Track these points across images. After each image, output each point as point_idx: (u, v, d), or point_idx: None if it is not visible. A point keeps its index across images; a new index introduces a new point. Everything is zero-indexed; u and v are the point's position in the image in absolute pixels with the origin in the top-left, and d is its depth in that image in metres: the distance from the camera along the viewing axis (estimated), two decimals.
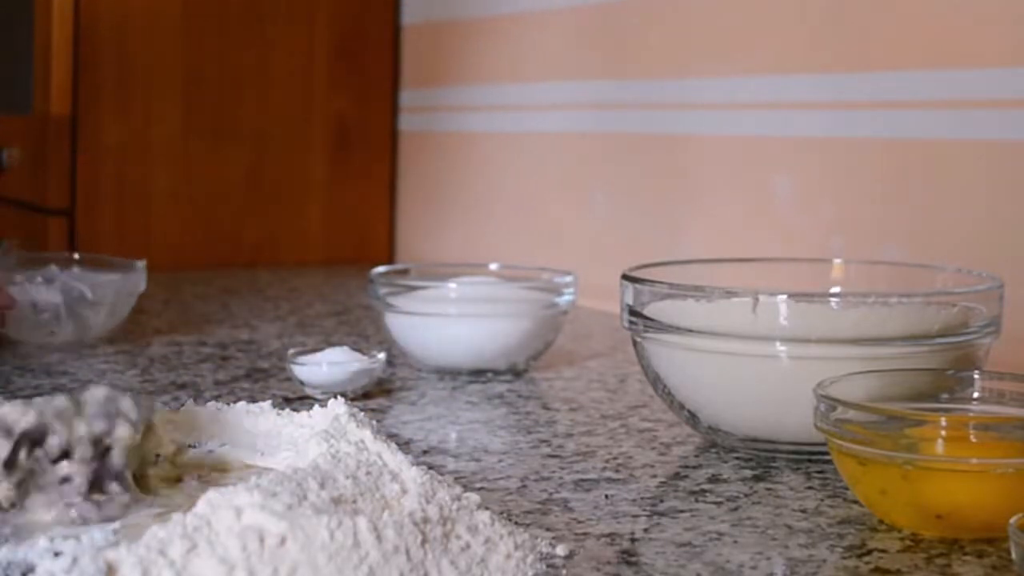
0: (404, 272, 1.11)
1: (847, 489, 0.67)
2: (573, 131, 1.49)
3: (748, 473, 0.73)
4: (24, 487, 0.57)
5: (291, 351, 0.94)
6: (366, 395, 0.92)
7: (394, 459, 0.59)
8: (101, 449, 0.59)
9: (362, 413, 0.66)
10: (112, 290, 1.11)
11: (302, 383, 0.92)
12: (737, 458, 0.76)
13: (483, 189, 1.64)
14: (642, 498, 0.68)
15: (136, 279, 1.13)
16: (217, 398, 0.84)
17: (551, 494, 0.68)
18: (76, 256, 1.20)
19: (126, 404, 0.60)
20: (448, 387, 0.96)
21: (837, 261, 0.92)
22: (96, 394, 0.60)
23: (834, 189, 1.16)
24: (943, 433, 0.62)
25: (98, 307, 1.10)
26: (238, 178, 1.71)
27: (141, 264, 1.14)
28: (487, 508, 0.57)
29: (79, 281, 1.10)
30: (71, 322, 1.09)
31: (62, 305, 1.08)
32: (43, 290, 1.08)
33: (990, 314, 0.76)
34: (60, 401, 0.59)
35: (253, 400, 0.72)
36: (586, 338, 1.19)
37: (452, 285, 1.02)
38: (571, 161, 1.49)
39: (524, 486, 0.70)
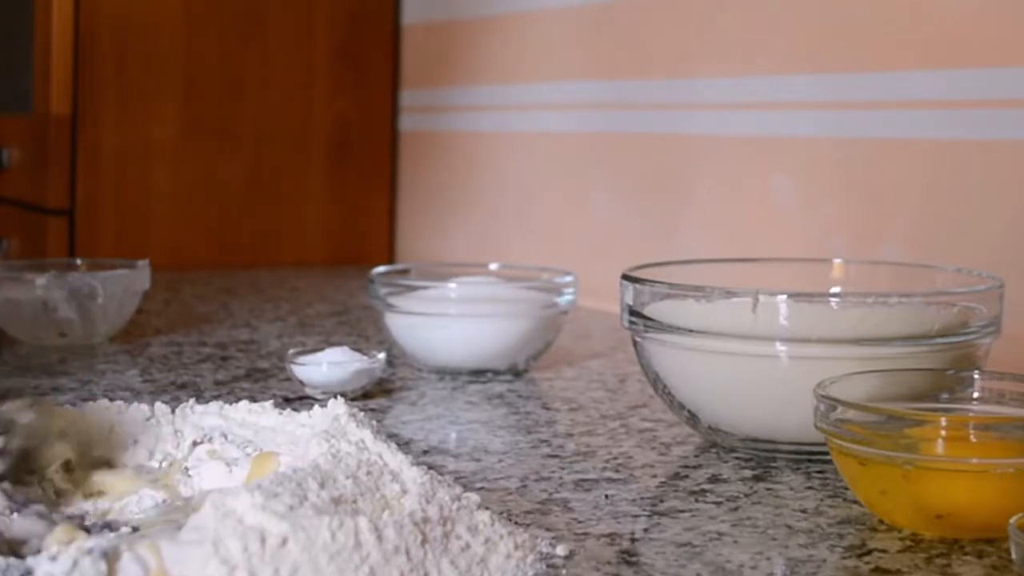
0: (404, 272, 1.11)
1: (847, 489, 0.67)
2: (573, 131, 1.49)
3: (748, 473, 0.73)
4: None
5: (291, 351, 0.94)
6: (366, 395, 0.92)
7: (394, 459, 0.59)
8: None
9: (362, 413, 0.66)
10: (121, 287, 1.11)
11: (302, 383, 0.92)
12: (737, 458, 0.76)
13: (483, 189, 1.64)
14: (642, 498, 0.68)
15: (141, 277, 1.13)
16: (217, 398, 0.84)
17: (551, 494, 0.68)
18: (78, 261, 1.21)
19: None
20: (448, 387, 0.96)
21: (837, 261, 0.92)
22: None
23: (834, 189, 1.16)
24: (943, 433, 0.62)
25: (107, 306, 1.10)
26: (238, 178, 1.72)
27: (144, 263, 1.14)
28: (487, 508, 0.58)
29: (86, 280, 1.10)
30: (81, 322, 1.09)
31: (74, 303, 1.08)
32: (53, 289, 1.08)
33: (990, 314, 0.76)
34: None
35: (254, 400, 0.72)
36: (586, 338, 1.19)
37: (452, 285, 1.02)
38: (571, 161, 1.49)
39: (524, 486, 0.70)
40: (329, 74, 1.76)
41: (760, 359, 0.73)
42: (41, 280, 1.09)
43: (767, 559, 0.58)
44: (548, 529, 0.61)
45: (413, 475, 0.58)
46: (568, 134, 1.50)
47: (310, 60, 1.75)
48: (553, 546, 0.58)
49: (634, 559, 0.58)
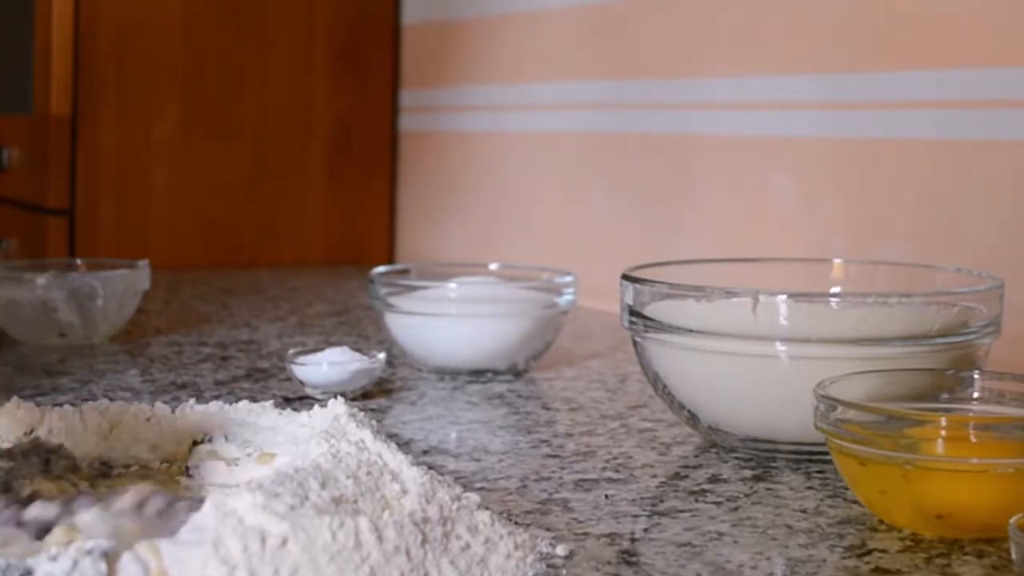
0: (404, 272, 1.11)
1: (847, 489, 0.67)
2: (573, 131, 1.49)
3: (748, 473, 0.73)
4: None
5: (291, 351, 0.94)
6: (366, 395, 0.92)
7: (394, 459, 0.59)
8: None
9: (362, 413, 0.66)
10: (121, 287, 1.11)
11: (302, 383, 0.92)
12: (737, 458, 0.76)
13: (483, 189, 1.64)
14: (642, 498, 0.68)
15: (140, 277, 1.13)
16: (217, 398, 0.84)
17: (551, 494, 0.68)
18: (77, 261, 1.21)
19: None
20: (448, 387, 0.96)
21: (837, 261, 0.92)
22: None
23: (834, 189, 1.16)
24: (943, 433, 0.62)
25: (107, 306, 1.10)
26: (238, 178, 1.72)
27: (144, 263, 1.14)
28: (487, 508, 0.58)
29: (86, 280, 1.10)
30: (81, 322, 1.09)
31: (74, 303, 1.08)
32: (53, 289, 1.08)
33: (990, 314, 0.76)
34: None
35: (254, 400, 0.72)
36: (586, 338, 1.19)
37: (452, 285, 1.02)
38: (571, 161, 1.49)
39: (524, 486, 0.70)
40: (329, 74, 1.76)
41: (760, 359, 0.73)
42: (41, 280, 1.09)
43: (767, 559, 0.58)
44: (548, 529, 0.61)
45: (413, 475, 0.58)
46: (568, 134, 1.50)
47: (310, 60, 1.75)
48: (553, 546, 0.58)
49: (634, 559, 0.58)
